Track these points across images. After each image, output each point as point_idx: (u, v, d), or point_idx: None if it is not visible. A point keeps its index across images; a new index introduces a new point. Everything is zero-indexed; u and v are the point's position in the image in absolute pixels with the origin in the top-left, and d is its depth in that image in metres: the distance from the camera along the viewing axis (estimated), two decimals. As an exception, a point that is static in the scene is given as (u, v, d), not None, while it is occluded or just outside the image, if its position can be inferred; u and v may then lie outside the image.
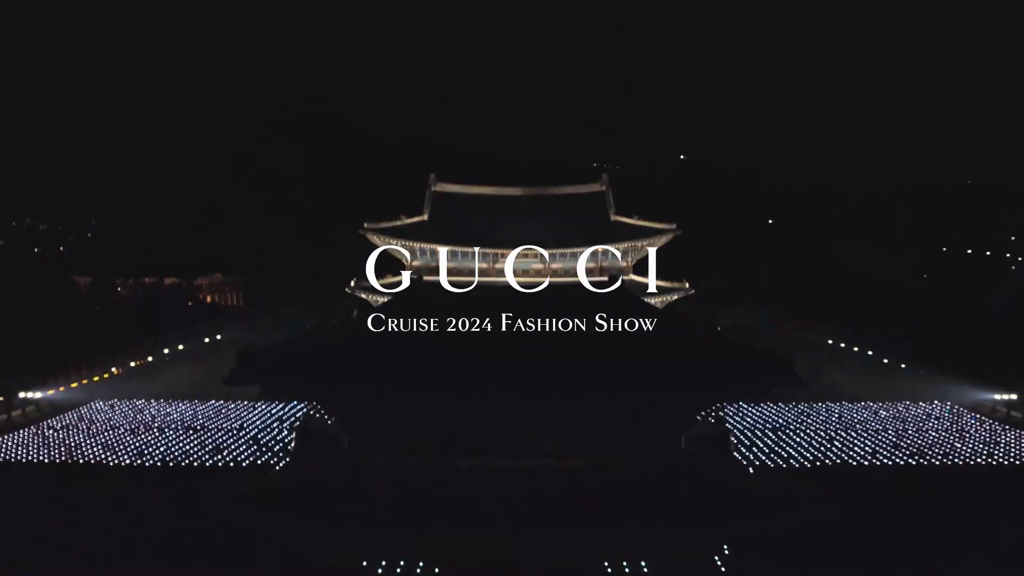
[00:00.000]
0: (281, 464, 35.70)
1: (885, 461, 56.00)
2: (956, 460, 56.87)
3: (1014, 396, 69.58)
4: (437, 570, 26.95)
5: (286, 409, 71.09)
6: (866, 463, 55.03)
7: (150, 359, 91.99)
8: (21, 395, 71.17)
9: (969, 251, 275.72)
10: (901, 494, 35.50)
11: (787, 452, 58.77)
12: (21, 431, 66.56)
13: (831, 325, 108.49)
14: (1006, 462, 56.25)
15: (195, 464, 55.26)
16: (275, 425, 67.56)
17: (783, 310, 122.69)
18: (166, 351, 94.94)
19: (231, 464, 54.26)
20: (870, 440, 62.74)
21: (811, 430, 65.88)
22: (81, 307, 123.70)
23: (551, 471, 28.03)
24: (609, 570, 26.72)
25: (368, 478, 27.80)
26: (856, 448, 60.25)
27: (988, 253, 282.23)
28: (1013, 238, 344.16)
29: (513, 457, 28.72)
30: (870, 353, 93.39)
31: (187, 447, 60.70)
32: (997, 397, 70.43)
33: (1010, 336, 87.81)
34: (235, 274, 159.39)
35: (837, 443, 61.90)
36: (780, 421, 68.84)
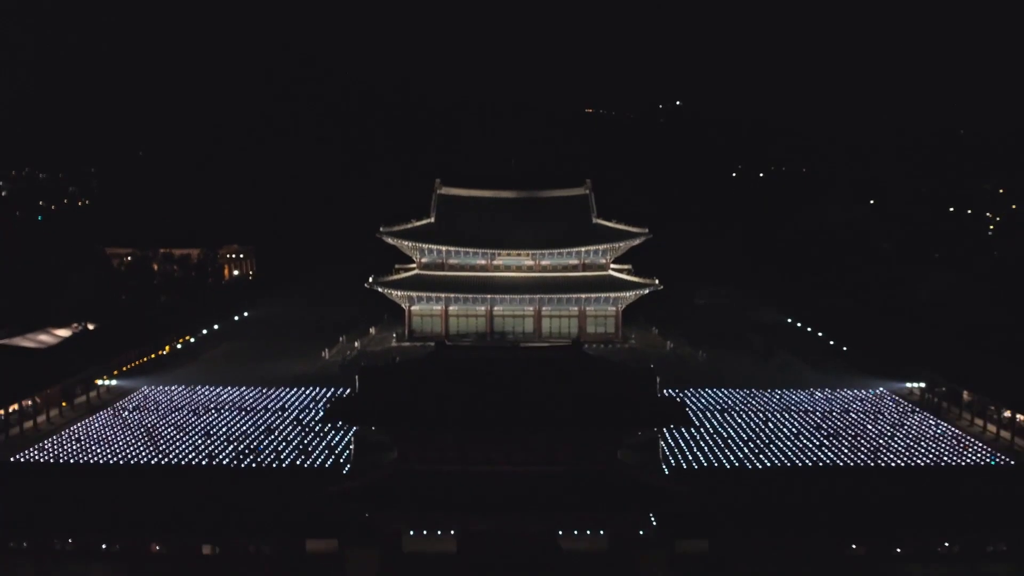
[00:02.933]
0: (347, 467, 50.91)
1: (796, 444, 72.19)
2: (864, 441, 73.34)
3: (923, 384, 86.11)
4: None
5: (318, 393, 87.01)
6: (749, 465, 69.14)
7: (191, 339, 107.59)
8: (98, 382, 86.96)
9: (951, 208, 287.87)
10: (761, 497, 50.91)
11: (727, 432, 75.34)
12: (100, 413, 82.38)
13: (793, 305, 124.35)
14: (898, 443, 72.76)
15: (279, 451, 69.34)
16: (311, 405, 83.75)
17: (753, 289, 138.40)
18: (204, 331, 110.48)
19: (313, 463, 67.82)
20: (797, 421, 79.27)
21: (751, 412, 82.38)
22: (121, 284, 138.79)
23: (526, 475, 44.75)
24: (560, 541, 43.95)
25: (416, 480, 44.38)
26: (784, 428, 76.89)
27: (969, 211, 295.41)
28: (1002, 191, 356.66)
29: (505, 465, 45.12)
30: (820, 335, 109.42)
31: (245, 426, 77.08)
32: (909, 385, 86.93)
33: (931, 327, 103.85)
34: (248, 243, 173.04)
35: (770, 424, 78.50)
36: (728, 403, 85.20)
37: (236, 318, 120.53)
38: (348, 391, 50.48)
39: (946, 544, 48.61)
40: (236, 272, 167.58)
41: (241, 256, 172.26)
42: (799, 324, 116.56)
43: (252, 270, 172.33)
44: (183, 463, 66.00)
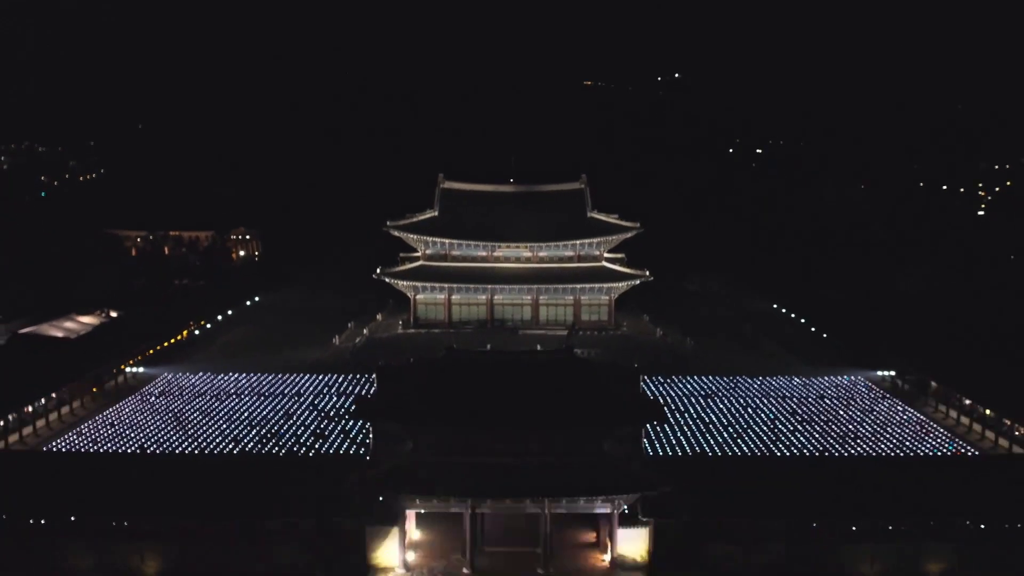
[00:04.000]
0: (368, 456, 58.01)
1: (772, 430, 79.51)
2: (834, 426, 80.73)
3: (893, 372, 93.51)
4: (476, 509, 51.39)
5: (331, 380, 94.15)
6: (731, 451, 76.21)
7: (207, 325, 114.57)
8: (128, 369, 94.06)
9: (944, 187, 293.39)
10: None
11: (708, 418, 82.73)
12: (129, 399, 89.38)
13: (781, 293, 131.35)
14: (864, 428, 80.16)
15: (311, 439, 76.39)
16: (324, 390, 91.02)
17: (743, 276, 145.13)
18: (219, 317, 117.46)
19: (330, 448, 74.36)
20: (774, 407, 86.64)
21: (734, 398, 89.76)
22: (137, 269, 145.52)
23: (522, 463, 52.07)
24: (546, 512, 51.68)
25: (428, 468, 51.75)
26: (762, 414, 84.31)
27: (962, 190, 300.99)
28: (997, 166, 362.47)
29: (507, 456, 52.34)
30: (803, 322, 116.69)
31: (265, 411, 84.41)
32: (882, 373, 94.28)
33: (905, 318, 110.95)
34: (253, 226, 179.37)
35: (749, 409, 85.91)
36: (713, 389, 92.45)
37: (248, 303, 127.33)
38: (367, 387, 57.02)
39: (892, 527, 55.90)
40: (243, 253, 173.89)
41: (247, 237, 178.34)
42: (784, 311, 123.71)
43: (258, 251, 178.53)
44: (214, 450, 73.20)
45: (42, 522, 54.96)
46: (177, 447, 74.42)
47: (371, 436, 55.72)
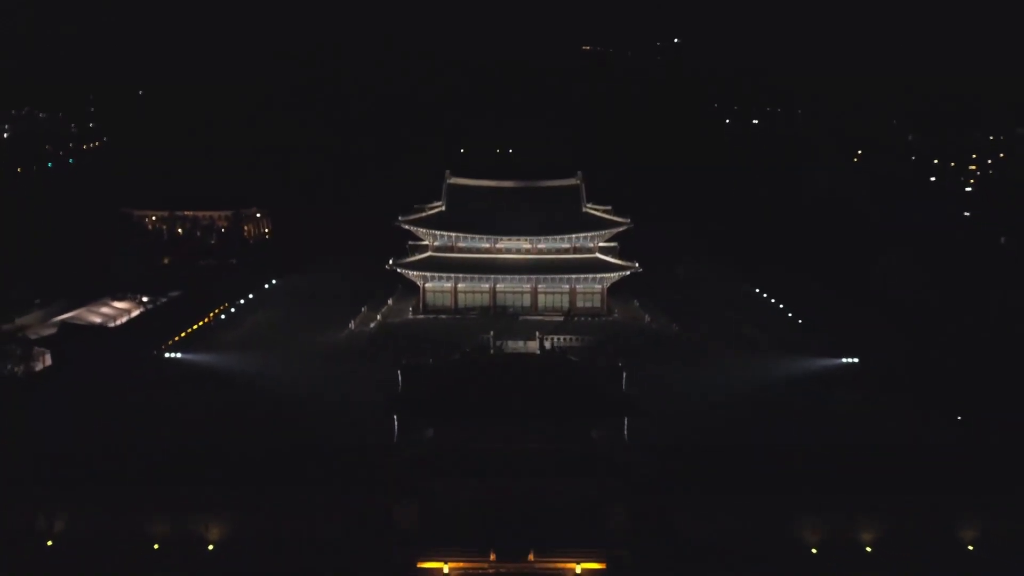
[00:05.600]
0: (395, 442, 69.99)
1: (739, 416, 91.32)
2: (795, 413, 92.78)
3: (856, 359, 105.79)
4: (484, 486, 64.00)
5: (354, 366, 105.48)
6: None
7: (232, 309, 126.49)
8: (168, 355, 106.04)
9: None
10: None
11: (685, 405, 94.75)
12: (178, 385, 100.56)
13: (763, 278, 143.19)
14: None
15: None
16: (350, 378, 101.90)
17: (731, 260, 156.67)
18: (242, 301, 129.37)
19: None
20: (745, 392, 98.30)
21: (711, 384, 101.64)
22: (156, 250, 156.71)
23: (523, 450, 64.55)
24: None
25: (446, 453, 64.28)
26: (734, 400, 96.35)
27: (952, 164, 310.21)
28: (992, 137, 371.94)
29: (511, 443, 64.92)
30: (781, 307, 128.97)
31: (299, 393, 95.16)
32: (845, 360, 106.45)
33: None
34: (263, 206, 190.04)
35: (721, 394, 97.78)
36: (692, 375, 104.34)
37: (266, 286, 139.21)
38: (399, 386, 67.99)
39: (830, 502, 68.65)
40: (253, 229, 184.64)
41: (258, 215, 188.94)
42: (765, 295, 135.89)
43: (268, 228, 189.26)
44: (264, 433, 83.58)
45: (125, 495, 67.61)
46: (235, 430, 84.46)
47: (397, 425, 67.95)
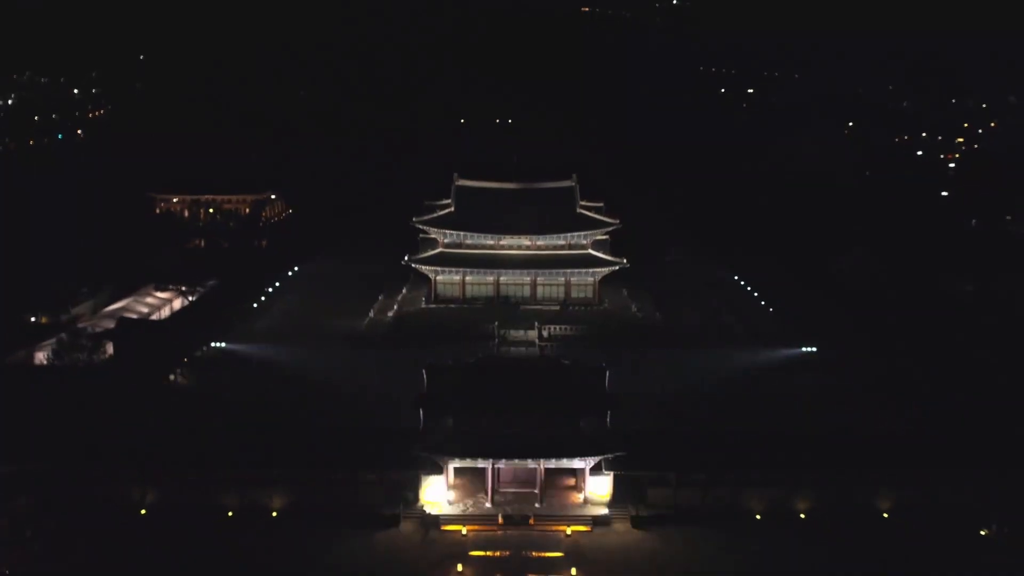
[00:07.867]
0: (422, 429, 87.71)
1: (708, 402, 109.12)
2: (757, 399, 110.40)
3: (815, 348, 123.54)
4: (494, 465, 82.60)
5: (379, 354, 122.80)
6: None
7: (262, 298, 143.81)
8: (215, 345, 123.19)
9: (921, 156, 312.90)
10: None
11: (663, 389, 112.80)
12: (219, 374, 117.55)
13: (742, 265, 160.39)
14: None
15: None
16: (374, 367, 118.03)
17: (715, 247, 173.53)
18: (270, 289, 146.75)
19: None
20: (713, 379, 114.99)
21: (687, 369, 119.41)
22: (184, 236, 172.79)
23: (525, 435, 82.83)
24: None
25: (464, 438, 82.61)
26: (703, 386, 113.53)
27: (940, 137, 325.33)
28: (984, 105, 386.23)
29: (515, 430, 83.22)
30: (756, 294, 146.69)
31: (332, 378, 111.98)
32: (805, 349, 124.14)
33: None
34: (281, 191, 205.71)
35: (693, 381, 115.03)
36: (671, 362, 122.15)
37: (290, 273, 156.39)
38: (424, 384, 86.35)
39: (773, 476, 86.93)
40: (272, 217, 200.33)
41: (273, 197, 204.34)
42: (742, 283, 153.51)
43: (284, 210, 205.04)
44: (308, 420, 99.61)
45: (199, 472, 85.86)
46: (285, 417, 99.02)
47: (423, 416, 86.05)
